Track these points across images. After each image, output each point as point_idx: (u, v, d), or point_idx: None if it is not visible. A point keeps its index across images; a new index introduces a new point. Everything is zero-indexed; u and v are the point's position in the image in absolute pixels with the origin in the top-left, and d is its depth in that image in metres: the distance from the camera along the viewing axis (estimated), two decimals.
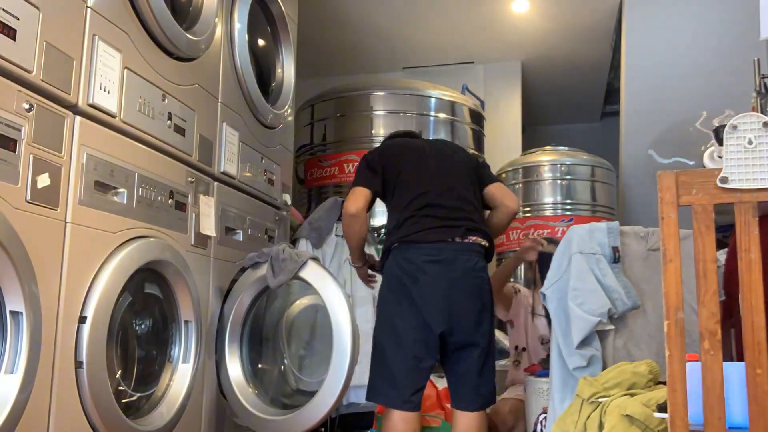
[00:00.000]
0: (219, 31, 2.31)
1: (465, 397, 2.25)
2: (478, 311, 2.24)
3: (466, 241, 2.25)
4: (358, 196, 2.33)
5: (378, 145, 2.69)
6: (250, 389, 2.37)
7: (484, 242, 2.30)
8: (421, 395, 2.22)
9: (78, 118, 1.63)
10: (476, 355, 2.23)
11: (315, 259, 2.34)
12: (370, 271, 2.63)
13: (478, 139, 4.52)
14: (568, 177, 4.49)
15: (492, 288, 2.34)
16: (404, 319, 2.20)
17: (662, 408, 1.45)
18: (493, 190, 2.47)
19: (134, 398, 1.91)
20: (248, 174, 2.50)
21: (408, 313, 2.20)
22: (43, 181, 1.51)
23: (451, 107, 4.28)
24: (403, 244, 2.25)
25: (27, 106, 1.47)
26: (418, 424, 2.20)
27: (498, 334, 3.74)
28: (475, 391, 2.24)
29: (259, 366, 2.53)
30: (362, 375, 2.36)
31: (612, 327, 2.07)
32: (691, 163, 3.44)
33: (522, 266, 4.56)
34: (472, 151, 4.45)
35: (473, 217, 2.33)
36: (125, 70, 1.80)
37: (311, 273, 2.29)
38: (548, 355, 2.74)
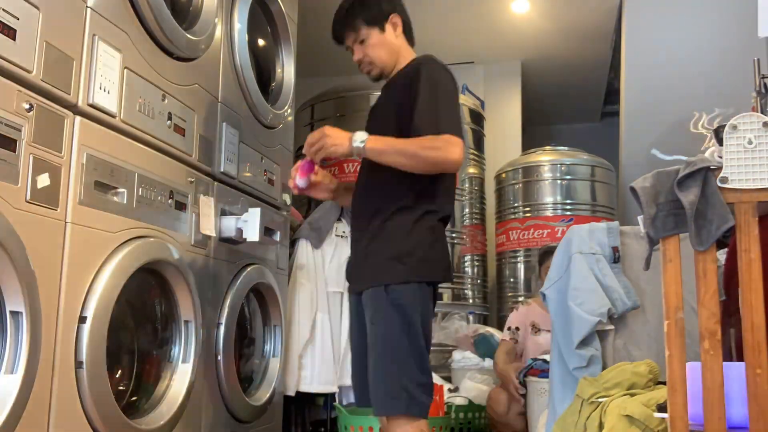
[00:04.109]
0: (219, 31, 2.31)
1: None
2: None
3: None
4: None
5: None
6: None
7: None
8: None
9: (78, 118, 1.63)
10: None
11: None
12: None
13: (478, 139, 4.52)
14: (568, 177, 4.49)
15: None
16: (429, 317, 1.88)
17: (662, 408, 1.45)
18: None
19: (134, 398, 1.91)
20: (248, 174, 2.50)
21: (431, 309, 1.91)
22: (43, 181, 1.51)
23: None
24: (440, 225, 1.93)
25: (27, 106, 1.47)
26: None
27: (495, 332, 3.74)
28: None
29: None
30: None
31: (612, 327, 2.07)
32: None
33: (522, 273, 4.58)
34: (471, 151, 4.45)
35: None
36: (125, 70, 1.79)
37: None
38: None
